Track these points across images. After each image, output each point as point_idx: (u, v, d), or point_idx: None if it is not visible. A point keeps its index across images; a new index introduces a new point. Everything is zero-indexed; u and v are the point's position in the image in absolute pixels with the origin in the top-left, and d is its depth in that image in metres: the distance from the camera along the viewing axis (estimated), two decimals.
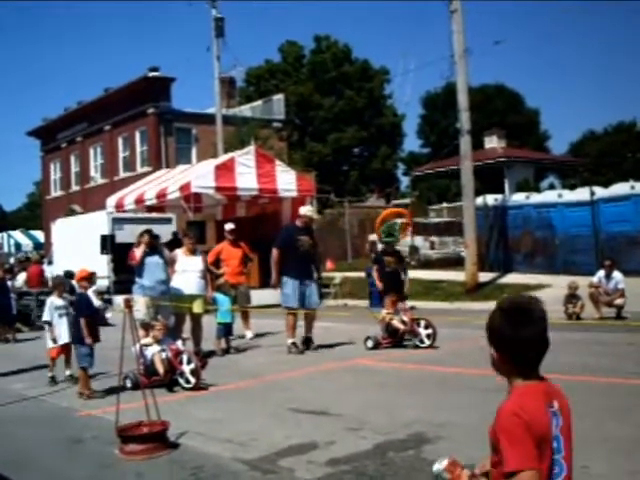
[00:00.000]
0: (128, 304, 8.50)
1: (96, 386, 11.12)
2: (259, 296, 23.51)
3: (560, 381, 10.05)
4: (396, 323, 14.59)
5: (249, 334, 16.99)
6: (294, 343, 14.74)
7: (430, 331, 14.30)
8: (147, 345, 11.32)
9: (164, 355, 11.12)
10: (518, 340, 3.30)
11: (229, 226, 17.67)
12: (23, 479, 6.87)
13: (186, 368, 10.90)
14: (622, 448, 6.84)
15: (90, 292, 12.36)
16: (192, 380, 10.81)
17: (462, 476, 3.50)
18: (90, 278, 11.85)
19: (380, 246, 16.24)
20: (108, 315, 12.39)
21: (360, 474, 6.46)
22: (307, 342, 14.98)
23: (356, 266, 31.63)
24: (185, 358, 10.99)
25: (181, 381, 10.95)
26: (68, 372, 12.23)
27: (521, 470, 3.02)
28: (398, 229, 16.03)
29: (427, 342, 14.24)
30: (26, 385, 12.12)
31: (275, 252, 15.05)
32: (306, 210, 15.75)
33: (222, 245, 17.41)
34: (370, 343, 14.60)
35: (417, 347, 14.33)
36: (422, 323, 14.51)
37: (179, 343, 11.70)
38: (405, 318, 14.63)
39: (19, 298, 21.51)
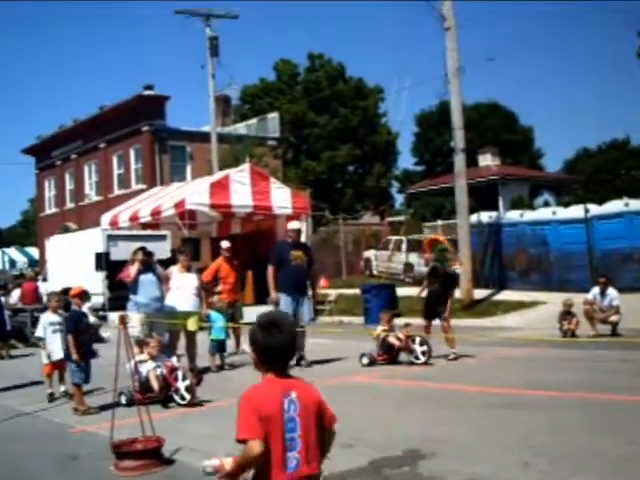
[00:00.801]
0: (123, 321, 8.50)
1: (91, 402, 11.11)
2: (254, 313, 23.54)
3: (555, 398, 10.13)
4: (391, 339, 14.59)
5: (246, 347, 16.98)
6: None
7: (425, 348, 14.29)
8: (142, 362, 11.32)
9: (159, 371, 11.11)
10: (269, 347, 4.08)
11: (225, 244, 17.67)
12: None
13: (181, 385, 10.90)
14: (616, 465, 6.84)
15: (85, 309, 12.34)
16: (187, 396, 10.81)
17: (225, 464, 4.11)
18: (83, 295, 11.83)
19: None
20: (106, 335, 12.38)
21: None
22: (299, 360, 14.95)
23: (351, 283, 31.67)
24: (180, 375, 10.99)
25: (176, 397, 10.94)
26: (62, 388, 12.24)
27: (246, 439, 3.87)
28: (450, 257, 16.08)
29: (422, 359, 14.22)
30: (21, 401, 12.10)
31: (270, 269, 15.07)
32: (292, 225, 15.81)
33: (219, 262, 17.39)
34: (365, 360, 14.58)
35: (412, 364, 14.30)
36: (417, 340, 14.50)
37: (174, 360, 11.71)
38: (400, 335, 14.63)
39: (14, 315, 21.46)
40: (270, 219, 28.40)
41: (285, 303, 14.74)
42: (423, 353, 14.27)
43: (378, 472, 6.96)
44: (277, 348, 4.08)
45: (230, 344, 16.17)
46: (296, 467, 3.96)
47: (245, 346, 16.45)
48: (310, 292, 15.70)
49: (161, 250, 23.27)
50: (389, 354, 14.66)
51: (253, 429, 3.88)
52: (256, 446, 3.84)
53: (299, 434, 4.00)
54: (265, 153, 46.07)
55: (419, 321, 15.30)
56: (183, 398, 10.85)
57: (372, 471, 7.01)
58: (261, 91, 63.06)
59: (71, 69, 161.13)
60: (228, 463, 4.09)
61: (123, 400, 10.81)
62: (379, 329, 14.97)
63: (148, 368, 11.18)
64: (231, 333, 16.05)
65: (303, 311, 14.97)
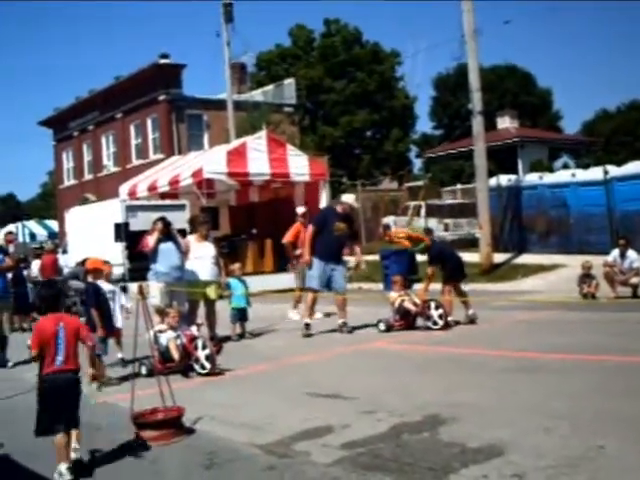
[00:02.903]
0: (141, 291, 8.49)
1: (111, 373, 11.15)
2: (274, 281, 23.55)
3: (575, 361, 10.10)
4: (408, 305, 14.55)
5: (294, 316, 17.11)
6: (307, 325, 14.73)
7: (441, 312, 14.23)
8: (162, 331, 11.34)
9: (179, 341, 11.13)
10: (44, 297, 7.11)
11: (301, 209, 18.01)
12: (37, 468, 6.86)
13: (201, 354, 10.91)
14: (638, 428, 6.79)
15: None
16: (207, 366, 10.82)
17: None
18: (98, 271, 11.82)
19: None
20: (127, 305, 12.38)
21: (375, 456, 6.44)
22: (341, 326, 14.95)
23: (370, 249, 31.58)
24: (200, 344, 10.99)
25: (196, 367, 10.96)
26: (120, 355, 12.21)
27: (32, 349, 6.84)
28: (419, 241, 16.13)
29: (440, 323, 14.18)
30: None
31: (311, 229, 15.09)
32: (347, 198, 15.78)
33: (297, 227, 17.64)
34: (382, 326, 14.55)
35: (429, 329, 14.28)
36: (433, 304, 14.43)
37: (194, 329, 11.72)
38: (417, 300, 14.59)
39: (34, 287, 21.53)
40: (288, 186, 28.38)
41: (317, 268, 14.77)
42: (440, 317, 14.23)
43: (398, 438, 6.95)
44: (49, 298, 7.00)
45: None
46: (61, 363, 6.63)
47: (292, 314, 16.45)
48: (351, 260, 15.73)
49: (180, 220, 23.24)
50: (406, 319, 14.63)
51: (35, 344, 6.71)
52: (34, 352, 6.73)
53: (64, 345, 6.65)
54: (282, 120, 45.95)
55: (438, 286, 15.23)
56: (203, 367, 10.86)
57: (392, 437, 6.99)
58: (277, 57, 62.73)
59: (87, 40, 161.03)
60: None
61: (144, 370, 10.83)
62: (394, 295, 14.93)
63: (168, 338, 11.20)
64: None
65: (337, 278, 14.95)
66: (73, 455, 6.60)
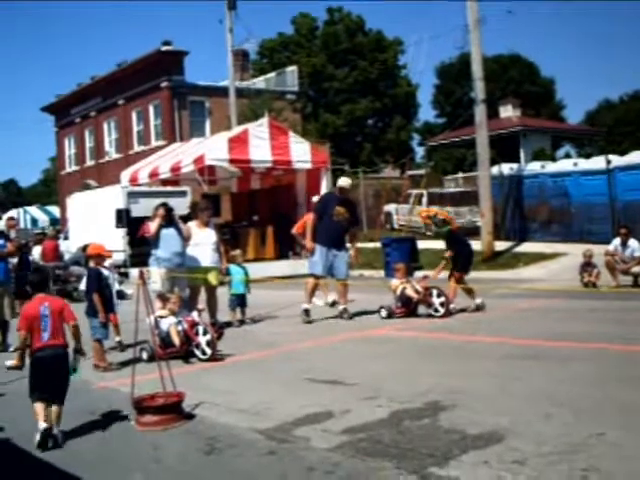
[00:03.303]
0: (142, 276, 8.49)
1: (111, 358, 11.16)
2: (275, 268, 23.56)
3: (576, 349, 10.10)
4: (409, 292, 14.54)
5: (326, 300, 16.94)
6: (307, 310, 14.74)
7: (443, 299, 14.22)
8: (163, 317, 11.34)
9: (180, 327, 11.13)
10: (32, 282, 7.73)
11: (316, 198, 17.85)
12: (40, 453, 6.88)
13: (202, 339, 10.91)
14: (638, 416, 6.80)
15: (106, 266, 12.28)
16: (208, 351, 10.82)
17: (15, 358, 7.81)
18: (99, 256, 11.82)
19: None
20: (128, 292, 12.42)
21: (376, 442, 6.44)
22: (342, 313, 14.99)
23: (372, 237, 31.62)
24: (201, 329, 10.99)
25: (197, 352, 10.96)
26: (117, 338, 12.40)
27: (19, 330, 7.33)
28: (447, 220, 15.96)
29: (441, 310, 14.18)
30: None
31: (312, 216, 15.14)
32: (342, 181, 15.74)
33: (311, 216, 17.33)
34: (384, 313, 14.56)
35: (431, 316, 14.28)
36: (435, 292, 14.43)
37: (195, 314, 11.71)
38: (418, 287, 14.59)
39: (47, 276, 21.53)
40: (290, 174, 28.36)
41: (320, 254, 14.80)
42: (442, 304, 14.22)
43: (399, 424, 6.95)
44: (37, 282, 7.65)
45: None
46: (47, 339, 7.23)
47: (316, 300, 16.39)
48: (350, 248, 15.73)
49: (181, 206, 23.26)
50: (407, 307, 14.62)
51: (23, 326, 7.26)
52: (22, 334, 7.29)
53: (50, 323, 7.25)
54: (284, 107, 45.94)
55: (439, 274, 15.21)
56: (204, 353, 10.87)
57: (393, 423, 7.00)
58: (279, 45, 62.68)
59: (89, 26, 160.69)
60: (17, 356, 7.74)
61: (144, 356, 10.84)
62: (396, 282, 14.92)
63: (169, 323, 11.20)
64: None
65: (339, 265, 14.97)
66: (55, 431, 7.13)
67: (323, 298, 16.82)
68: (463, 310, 14.73)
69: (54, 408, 7.20)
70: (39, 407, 7.15)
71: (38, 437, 6.97)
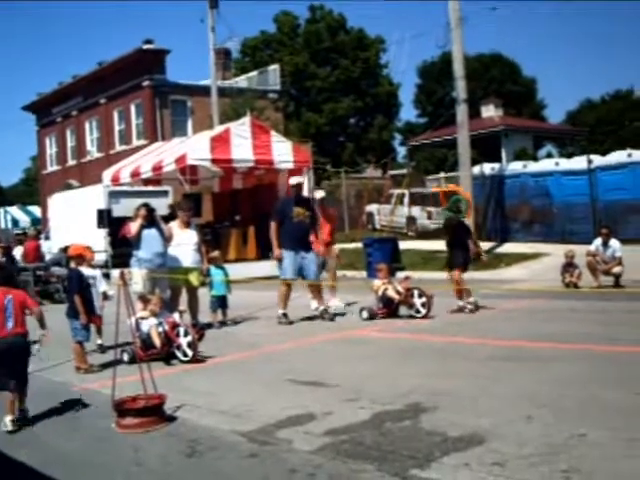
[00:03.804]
0: (123, 277, 8.47)
1: (92, 360, 11.11)
2: (256, 268, 23.52)
3: (558, 350, 10.12)
4: (391, 293, 14.53)
5: (338, 304, 16.54)
6: (285, 314, 14.72)
7: (424, 300, 14.22)
8: (143, 318, 11.30)
9: (161, 328, 11.09)
10: None
11: (320, 194, 17.49)
12: (21, 456, 6.85)
13: (183, 341, 10.87)
14: (620, 416, 6.82)
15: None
16: (189, 353, 10.78)
17: None
18: (80, 257, 11.79)
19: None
20: (110, 292, 12.37)
21: (357, 444, 6.44)
22: (323, 313, 14.99)
23: (353, 237, 31.64)
24: (182, 331, 10.95)
25: (178, 354, 10.92)
26: (99, 341, 12.36)
27: None
28: (465, 208, 15.75)
29: (422, 311, 14.18)
30: None
31: (273, 225, 14.97)
32: (293, 180, 15.67)
33: None
34: (365, 314, 14.54)
35: (413, 317, 14.27)
36: (416, 293, 14.43)
37: (176, 316, 11.69)
38: (400, 288, 14.58)
39: (17, 274, 21.44)
40: (271, 173, 28.32)
41: (289, 259, 14.70)
42: (423, 305, 14.22)
43: (380, 426, 6.96)
44: (2, 278, 8.16)
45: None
46: (11, 328, 7.78)
47: (336, 301, 16.32)
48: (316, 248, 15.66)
49: (163, 206, 23.20)
50: (389, 308, 14.61)
51: None
52: None
53: (12, 313, 7.83)
54: (266, 106, 45.94)
55: (421, 274, 15.26)
56: (185, 354, 10.83)
57: (374, 425, 7.00)
58: (261, 43, 62.57)
59: (70, 25, 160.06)
60: None
61: (125, 358, 10.79)
62: (378, 282, 14.92)
63: (150, 325, 11.16)
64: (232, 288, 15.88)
65: (308, 266, 14.92)
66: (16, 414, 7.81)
67: (336, 299, 16.62)
68: (478, 307, 14.87)
69: (18, 393, 7.85)
70: (9, 397, 7.79)
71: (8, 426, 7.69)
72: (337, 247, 16.61)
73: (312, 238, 15.61)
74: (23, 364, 7.95)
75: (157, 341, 10.97)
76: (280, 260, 14.84)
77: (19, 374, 7.85)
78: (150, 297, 12.05)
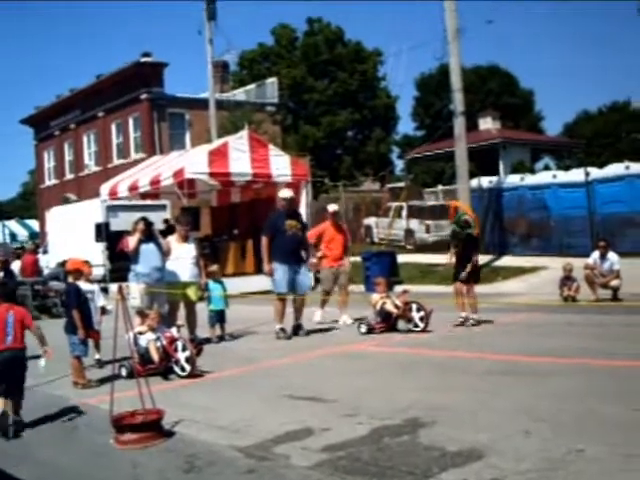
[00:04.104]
0: (121, 292, 8.47)
1: (90, 375, 11.11)
2: (255, 282, 23.49)
3: (556, 364, 10.10)
4: (389, 307, 14.53)
5: (347, 320, 16.37)
6: (282, 329, 14.72)
7: (422, 314, 14.19)
8: (142, 333, 11.30)
9: (159, 343, 11.08)
10: None
11: (333, 207, 17.20)
12: (18, 471, 6.84)
13: (181, 356, 10.86)
14: (618, 431, 6.81)
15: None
16: (187, 368, 10.77)
17: None
18: (78, 272, 11.79)
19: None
20: (108, 307, 12.38)
21: (355, 460, 6.44)
22: (296, 329, 14.98)
23: (352, 250, 31.60)
24: (180, 345, 10.95)
25: (176, 369, 10.91)
26: (97, 356, 12.33)
27: None
28: (473, 224, 15.72)
29: (421, 325, 14.16)
30: None
31: (264, 239, 14.96)
32: (283, 194, 15.65)
33: (325, 226, 17.01)
34: (363, 328, 14.54)
35: (411, 331, 14.26)
36: (414, 307, 14.40)
37: (174, 330, 11.68)
38: (398, 302, 14.57)
39: (16, 288, 21.43)
40: (269, 187, 28.27)
41: (282, 272, 14.70)
42: (421, 319, 14.20)
43: (378, 441, 6.95)
44: (5, 294, 8.78)
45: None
46: (10, 342, 8.29)
47: (345, 317, 16.28)
48: (309, 260, 15.67)
49: (161, 220, 23.21)
50: (387, 322, 14.60)
51: None
52: None
53: (13, 328, 8.34)
54: (264, 119, 45.95)
55: (419, 288, 15.25)
56: (183, 369, 10.82)
57: (372, 440, 6.99)
58: (259, 56, 62.61)
59: (68, 38, 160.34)
60: None
61: (124, 373, 10.80)
62: (376, 296, 14.92)
63: (148, 339, 11.16)
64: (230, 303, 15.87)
65: (300, 281, 14.93)
66: (10, 420, 8.27)
67: (347, 314, 16.56)
68: (462, 324, 14.82)
69: (12, 401, 8.36)
70: (0, 401, 8.32)
71: None
72: (348, 261, 16.64)
73: (324, 253, 15.74)
74: (20, 377, 8.43)
75: (155, 356, 10.97)
76: (271, 275, 14.85)
77: (15, 387, 8.36)
78: (148, 312, 12.05)
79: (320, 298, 16.50)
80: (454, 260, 15.28)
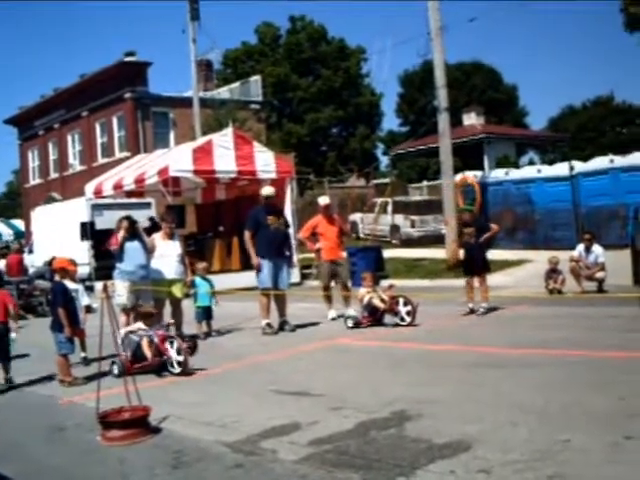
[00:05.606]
0: (106, 289, 8.45)
1: (76, 373, 11.08)
2: (240, 279, 23.46)
3: (543, 355, 10.13)
4: (375, 301, 14.53)
5: (352, 312, 15.84)
6: (269, 324, 14.73)
7: (409, 308, 14.20)
8: (133, 332, 11.28)
9: (152, 340, 11.05)
10: None
11: (324, 200, 16.91)
12: (5, 469, 6.81)
13: (173, 353, 10.82)
14: (604, 421, 6.83)
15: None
16: (180, 365, 10.73)
17: None
18: (64, 270, 11.77)
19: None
20: (94, 305, 12.34)
21: (342, 453, 6.44)
22: (282, 324, 14.98)
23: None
24: (173, 343, 10.91)
25: (169, 366, 10.88)
26: (82, 354, 12.29)
27: None
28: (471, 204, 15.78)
29: (407, 319, 14.17)
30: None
31: (247, 234, 14.99)
32: (265, 191, 15.62)
33: (317, 219, 16.70)
34: (350, 322, 14.56)
35: (397, 325, 14.28)
36: (401, 301, 14.42)
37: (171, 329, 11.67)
38: (384, 296, 14.59)
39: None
40: (254, 184, 28.22)
41: (266, 268, 14.74)
42: (408, 313, 14.21)
43: (365, 434, 6.95)
44: None
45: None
46: None
47: (351, 310, 16.19)
48: (288, 255, 15.65)
49: (146, 218, 23.14)
50: (373, 316, 14.62)
51: None
52: None
53: None
54: (248, 117, 45.97)
55: (405, 282, 15.27)
56: (180, 364, 10.77)
57: (359, 433, 6.99)
58: (243, 54, 62.68)
59: (51, 38, 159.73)
60: None
61: (116, 370, 10.72)
62: (363, 291, 14.92)
63: (140, 337, 11.13)
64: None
65: (282, 276, 14.98)
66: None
67: (351, 309, 16.49)
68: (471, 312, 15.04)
69: (2, 363, 10.85)
70: None
71: None
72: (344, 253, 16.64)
73: (320, 245, 15.77)
74: (4, 344, 10.84)
75: (148, 353, 10.94)
76: (259, 267, 14.84)
77: (2, 352, 10.82)
78: (142, 310, 12.08)
79: (322, 295, 16.33)
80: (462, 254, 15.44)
